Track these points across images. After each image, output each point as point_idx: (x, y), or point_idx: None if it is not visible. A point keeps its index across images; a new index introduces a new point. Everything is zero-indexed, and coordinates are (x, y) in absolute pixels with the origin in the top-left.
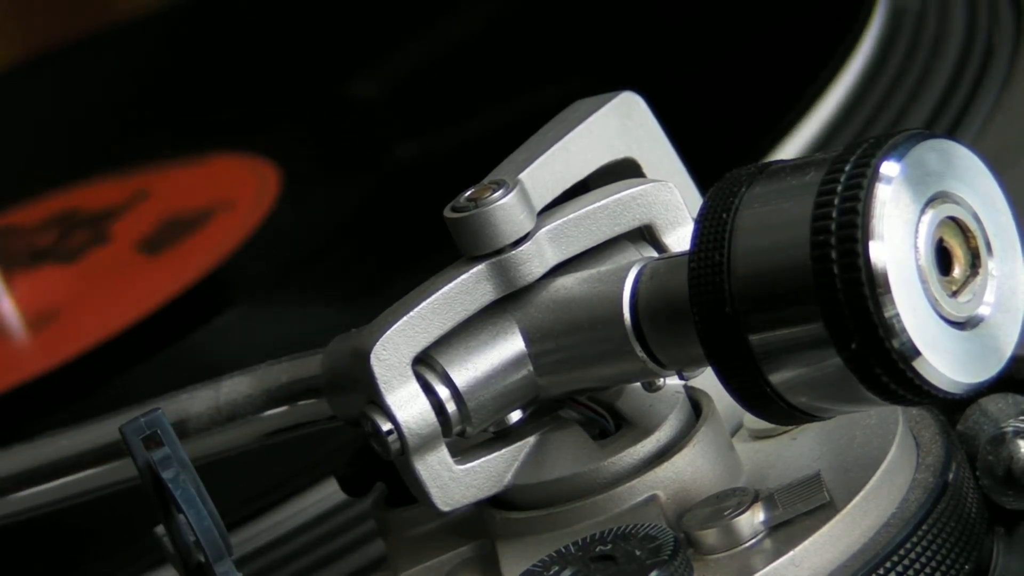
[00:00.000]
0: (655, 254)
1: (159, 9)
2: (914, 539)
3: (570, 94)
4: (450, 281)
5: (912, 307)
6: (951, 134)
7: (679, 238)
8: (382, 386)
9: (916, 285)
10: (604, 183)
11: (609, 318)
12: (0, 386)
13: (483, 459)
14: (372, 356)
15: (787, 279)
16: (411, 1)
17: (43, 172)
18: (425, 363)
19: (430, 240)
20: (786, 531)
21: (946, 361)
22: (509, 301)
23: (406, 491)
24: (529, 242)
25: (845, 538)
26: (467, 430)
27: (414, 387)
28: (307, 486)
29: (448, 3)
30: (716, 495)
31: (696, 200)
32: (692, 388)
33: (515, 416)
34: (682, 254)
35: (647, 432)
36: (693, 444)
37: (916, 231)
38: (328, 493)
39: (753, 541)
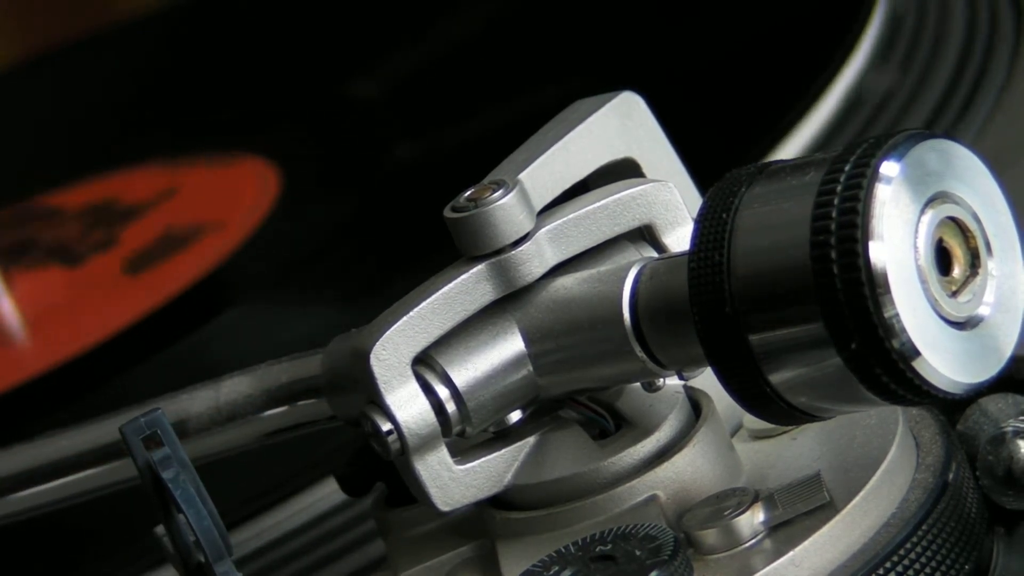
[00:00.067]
0: (655, 254)
1: (159, 9)
2: (914, 539)
3: (570, 94)
4: (450, 281)
5: (912, 307)
6: (951, 134)
7: (679, 238)
8: (382, 386)
9: (916, 285)
10: (604, 183)
11: (609, 318)
12: (0, 386)
13: (483, 459)
14: (372, 356)
15: (787, 279)
16: (411, 1)
17: (43, 172)
18: (425, 363)
19: (430, 240)
20: (786, 531)
21: (946, 361)
22: (509, 301)
23: (406, 491)
24: (529, 242)
25: (845, 538)
26: (467, 430)
27: (414, 387)
28: (307, 486)
29: (448, 3)
30: (716, 495)
31: (696, 200)
32: (692, 388)
33: (515, 416)
34: (682, 254)
35: (647, 432)
36: (693, 444)
37: (916, 231)
38: (328, 493)
39: (753, 541)
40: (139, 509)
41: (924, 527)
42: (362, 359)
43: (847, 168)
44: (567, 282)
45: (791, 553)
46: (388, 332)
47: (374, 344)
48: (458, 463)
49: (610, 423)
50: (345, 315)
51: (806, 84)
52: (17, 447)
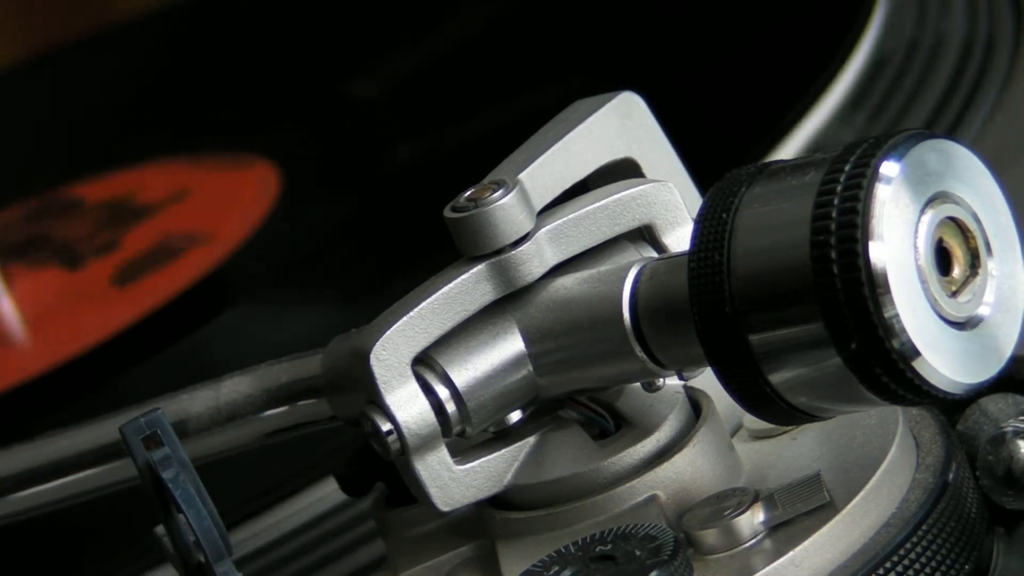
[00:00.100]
0: (655, 254)
1: (159, 9)
2: (914, 539)
3: (570, 94)
4: (450, 281)
5: (912, 307)
6: (951, 134)
7: (679, 238)
8: (382, 386)
9: (916, 285)
10: (604, 183)
11: (609, 318)
12: (0, 386)
13: (483, 459)
14: (372, 356)
15: (787, 279)
16: (411, 1)
17: (43, 172)
18: (425, 363)
19: (430, 240)
20: (786, 531)
21: (946, 361)
22: (509, 301)
23: (406, 491)
24: (529, 242)
25: (845, 538)
26: (467, 430)
27: (414, 387)
28: (307, 486)
29: (448, 3)
30: (716, 495)
31: (696, 200)
32: (692, 388)
33: (515, 416)
34: (682, 254)
35: (647, 432)
36: (693, 444)
37: (916, 231)
38: (328, 493)
39: (753, 541)
40: (139, 509)
41: (924, 527)
42: (362, 359)
43: (847, 168)
44: (567, 282)
45: (791, 553)
46: (388, 332)
47: (374, 344)
48: (458, 463)
49: (610, 423)
50: (345, 315)
51: (806, 84)
52: (17, 447)
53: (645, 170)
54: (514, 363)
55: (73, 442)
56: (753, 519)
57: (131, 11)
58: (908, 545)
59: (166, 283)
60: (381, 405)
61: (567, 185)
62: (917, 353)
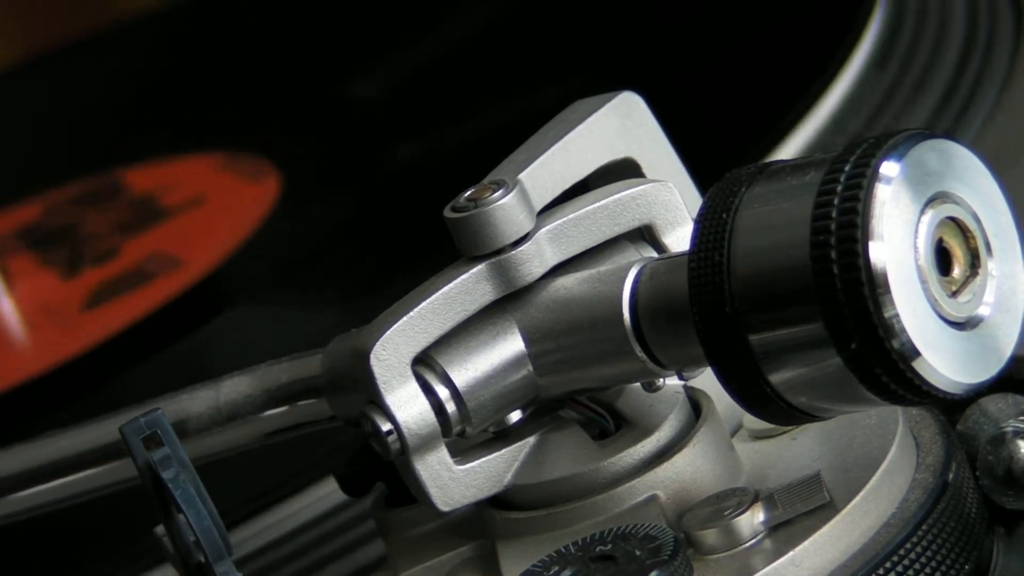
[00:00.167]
0: (655, 254)
1: (159, 9)
2: (914, 539)
3: (570, 94)
4: (450, 281)
5: (912, 307)
6: (951, 134)
7: (679, 238)
8: (382, 386)
9: (916, 285)
10: (604, 183)
11: (609, 318)
12: (0, 386)
13: (483, 459)
14: (372, 356)
15: (787, 279)
16: (411, 1)
17: (43, 172)
18: (425, 363)
19: (430, 240)
20: (786, 531)
21: (946, 361)
22: (509, 301)
23: (406, 491)
24: (529, 242)
25: (845, 538)
26: (467, 430)
27: (414, 387)
28: (307, 486)
29: (448, 3)
30: (716, 495)
31: (696, 200)
32: (692, 388)
33: (515, 416)
34: (682, 254)
35: (647, 432)
36: (693, 444)
37: (916, 231)
38: (328, 493)
39: (753, 541)
40: (139, 509)
41: (924, 527)
42: (362, 359)
43: (847, 168)
44: (567, 282)
45: (791, 553)
46: (388, 332)
47: (374, 344)
48: (458, 463)
49: (610, 423)
50: (345, 315)
51: (806, 84)
52: (17, 447)
53: (645, 170)
54: (514, 363)
55: (73, 442)
56: (753, 519)
57: (131, 11)
58: (908, 545)
59: (166, 283)
60: (381, 405)
61: (567, 185)
62: (917, 353)
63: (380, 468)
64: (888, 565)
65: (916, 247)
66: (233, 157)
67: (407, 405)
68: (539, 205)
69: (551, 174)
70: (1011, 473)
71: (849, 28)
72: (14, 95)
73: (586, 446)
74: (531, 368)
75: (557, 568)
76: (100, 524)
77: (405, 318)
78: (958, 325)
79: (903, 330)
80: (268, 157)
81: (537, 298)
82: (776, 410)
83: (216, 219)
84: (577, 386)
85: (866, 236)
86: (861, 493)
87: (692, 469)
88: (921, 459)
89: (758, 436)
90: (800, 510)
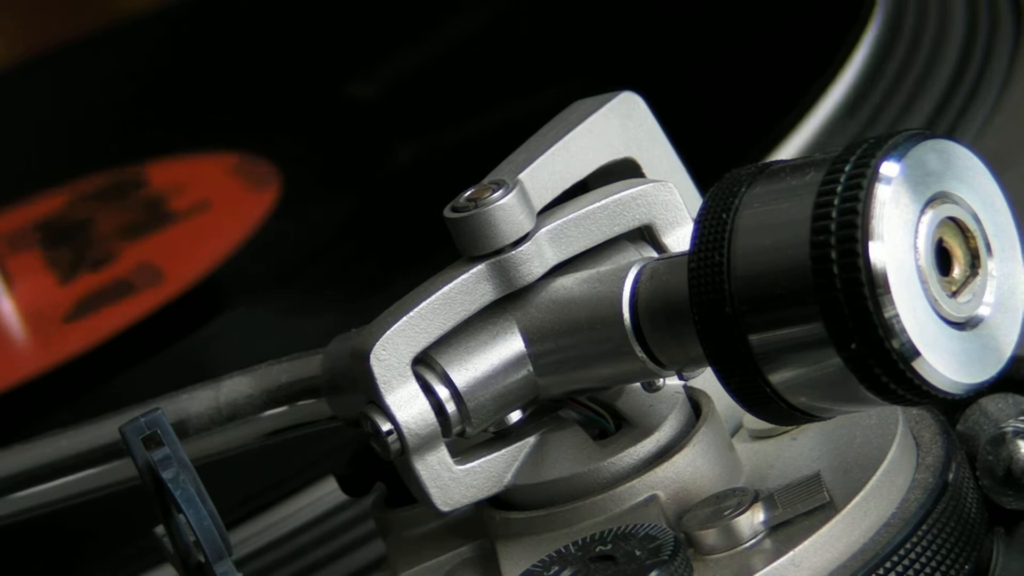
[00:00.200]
0: (655, 254)
1: (159, 9)
2: (914, 539)
3: (570, 94)
4: (450, 281)
5: (912, 307)
6: (951, 134)
7: (679, 238)
8: (382, 386)
9: (916, 285)
10: (604, 183)
11: (609, 318)
12: (0, 386)
13: (483, 459)
14: (372, 356)
15: (787, 279)
16: (411, 2)
17: (43, 172)
18: (425, 363)
19: (430, 240)
20: (786, 531)
21: (946, 361)
22: (509, 301)
23: (406, 491)
24: (529, 242)
25: (845, 538)
26: (467, 430)
27: (413, 387)
28: (307, 486)
29: (447, 4)
30: (716, 495)
31: (696, 200)
32: (692, 388)
33: (515, 416)
34: (682, 254)
35: (647, 432)
36: (693, 444)
37: (916, 231)
38: (328, 493)
39: (753, 541)
40: (139, 509)
41: (924, 527)
42: (362, 359)
43: (847, 168)
44: (567, 282)
45: (791, 553)
46: (388, 332)
47: (374, 344)
48: (458, 463)
49: (610, 423)
50: (345, 315)
51: (806, 84)
52: (17, 447)
53: (645, 170)
54: (514, 363)
55: (73, 442)
56: (753, 519)
57: (131, 11)
58: (908, 545)
59: (166, 283)
60: (381, 405)
61: (567, 185)
62: (917, 353)
63: (380, 468)
64: (888, 565)
65: (916, 247)
66: (233, 157)
67: (407, 405)
68: (539, 205)
69: (551, 174)
70: (1011, 473)
71: (849, 28)
72: (14, 95)
73: (586, 446)
74: (531, 368)
75: (557, 568)
76: (100, 524)
77: (405, 318)
78: (958, 325)
79: (903, 330)
80: (268, 157)
81: (537, 298)
82: (776, 410)
83: (215, 219)
84: (577, 386)
85: (866, 236)
86: (861, 493)
87: (692, 469)
88: (921, 459)
89: (758, 436)
90: (800, 510)
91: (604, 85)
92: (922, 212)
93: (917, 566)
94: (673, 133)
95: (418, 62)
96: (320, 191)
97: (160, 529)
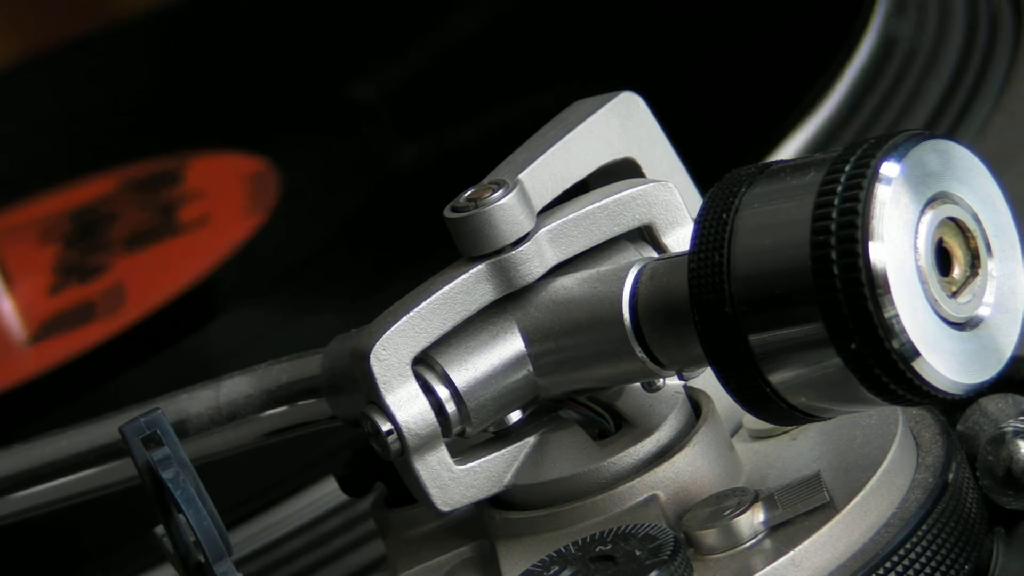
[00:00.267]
0: (655, 254)
1: (159, 9)
2: (914, 539)
3: (570, 94)
4: (450, 281)
5: (912, 308)
6: (951, 134)
7: (679, 238)
8: (382, 386)
9: (916, 286)
10: (604, 183)
11: (609, 318)
12: (0, 386)
13: (483, 459)
14: (372, 356)
15: (787, 279)
16: (411, 3)
17: (42, 172)
18: (425, 363)
19: (430, 240)
20: (786, 531)
21: (946, 362)
22: (509, 301)
23: (406, 491)
24: (529, 242)
25: (845, 538)
26: (467, 430)
27: (414, 387)
28: (307, 486)
29: (447, 5)
30: (716, 495)
31: (696, 200)
32: (692, 388)
33: (515, 416)
34: (682, 254)
35: (647, 432)
36: (693, 444)
37: (916, 232)
38: (328, 493)
39: (753, 541)
40: (139, 509)
41: (924, 527)
42: (362, 359)
43: (847, 168)
44: (567, 282)
45: (791, 553)
46: (388, 332)
47: (374, 344)
48: (458, 463)
49: (610, 423)
50: (345, 315)
51: (806, 84)
52: (17, 447)
53: (645, 170)
54: (514, 363)
55: (73, 442)
56: (753, 519)
57: (131, 11)
58: (908, 545)
59: (166, 283)
60: (381, 405)
61: (567, 185)
62: (917, 353)
63: (380, 468)
64: (888, 565)
65: (916, 247)
66: (234, 158)
67: (407, 405)
68: (539, 205)
69: (551, 174)
70: (1011, 473)
71: (849, 28)
72: (14, 95)
73: (586, 446)
74: (531, 368)
75: (557, 568)
76: (100, 524)
77: (405, 318)
78: (958, 325)
79: (903, 330)
80: (268, 158)
81: (537, 298)
82: (776, 410)
83: (216, 218)
84: (577, 386)
85: (866, 236)
86: (861, 493)
87: (692, 469)
88: (921, 459)
89: (758, 436)
90: (800, 510)
91: (604, 85)
92: (922, 212)
93: (917, 566)
94: (673, 133)
95: (418, 62)
96: (320, 191)
97: (160, 529)
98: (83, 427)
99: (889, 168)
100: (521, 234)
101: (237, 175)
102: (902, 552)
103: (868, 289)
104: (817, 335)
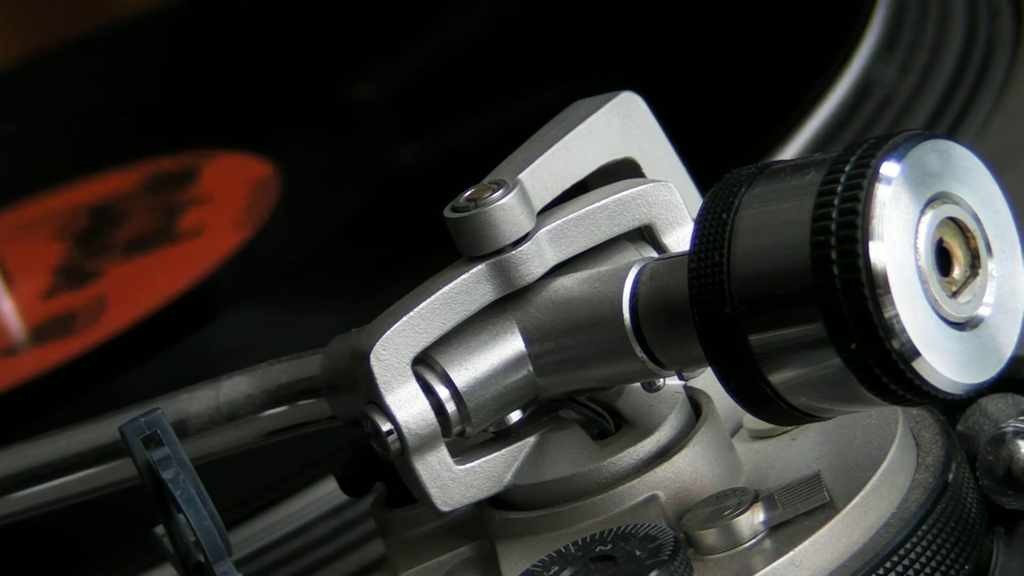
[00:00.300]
0: (655, 254)
1: (159, 9)
2: (914, 539)
3: (570, 94)
4: (450, 281)
5: (912, 308)
6: (951, 134)
7: (679, 238)
8: (382, 386)
9: (916, 286)
10: (604, 183)
11: (609, 318)
12: (0, 386)
13: (483, 459)
14: (372, 356)
15: (787, 279)
16: (411, 3)
17: (42, 172)
18: (425, 363)
19: (430, 240)
20: (786, 531)
21: (946, 362)
22: (509, 301)
23: (406, 491)
24: (529, 242)
25: (845, 538)
26: (467, 430)
27: (414, 387)
28: (307, 486)
29: (447, 5)
30: (716, 495)
31: (696, 200)
32: (692, 388)
33: (515, 416)
34: (682, 254)
35: (647, 432)
36: (693, 444)
37: (916, 232)
38: (328, 493)
39: (753, 541)
40: (139, 509)
41: (924, 527)
42: (362, 359)
43: (847, 168)
44: (567, 282)
45: (791, 553)
46: (388, 332)
47: (374, 344)
48: (458, 463)
49: (610, 423)
50: (345, 315)
51: (807, 84)
52: (17, 447)
53: (645, 170)
54: (514, 363)
55: (73, 442)
56: (753, 519)
57: (131, 11)
58: (908, 545)
59: (166, 283)
60: (381, 405)
61: (567, 185)
62: (917, 353)
63: (380, 468)
64: (888, 565)
65: (916, 247)
66: (234, 158)
67: (407, 405)
68: (539, 205)
69: (551, 174)
70: (1011, 473)
71: (850, 28)
72: (14, 94)
73: (586, 446)
74: (531, 368)
75: (557, 568)
76: (100, 524)
77: (405, 318)
78: (958, 325)
79: (903, 330)
80: (269, 158)
81: (537, 298)
82: (776, 410)
83: (215, 219)
84: (577, 386)
85: (866, 236)
86: (861, 493)
87: (692, 469)
88: (921, 459)
89: (758, 436)
90: (800, 510)
91: (604, 85)
92: (922, 212)
93: (917, 566)
94: (673, 133)
95: (418, 62)
96: (320, 191)
97: (160, 529)
98: (83, 427)
99: (889, 168)
100: (521, 234)
101: (243, 179)
102: (902, 552)
103: (868, 289)
104: (817, 335)
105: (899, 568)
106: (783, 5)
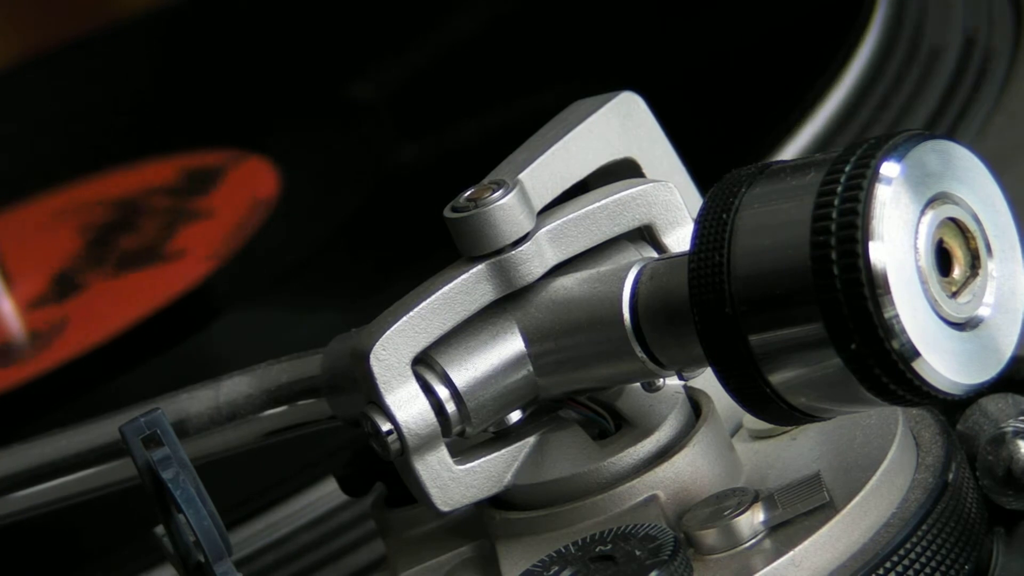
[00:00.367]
0: (655, 254)
1: (159, 9)
2: (914, 539)
3: (570, 94)
4: (450, 281)
5: (912, 308)
6: (951, 134)
7: (679, 238)
8: (381, 386)
9: (916, 286)
10: (604, 183)
11: (609, 318)
12: (0, 386)
13: (483, 459)
14: (371, 356)
15: (787, 280)
16: (411, 3)
17: (42, 172)
18: (425, 363)
19: (430, 240)
20: (786, 531)
21: (946, 362)
22: (509, 301)
23: (406, 491)
24: (529, 242)
25: (845, 538)
26: (467, 430)
27: (413, 387)
28: (307, 486)
29: (447, 5)
30: (716, 495)
31: (696, 200)
32: (692, 388)
33: (515, 416)
34: (682, 254)
35: (647, 432)
36: (693, 444)
37: (916, 232)
38: (328, 493)
39: (753, 541)
40: (139, 509)
41: (924, 527)
42: (362, 359)
43: (847, 169)
44: (567, 282)
45: (791, 553)
46: (388, 332)
47: (374, 344)
48: (458, 463)
49: (610, 423)
50: (345, 315)
51: (807, 84)
52: (17, 447)
53: (645, 170)
54: (514, 363)
55: (73, 442)
56: (753, 519)
57: (131, 11)
58: (908, 545)
59: (166, 283)
60: (381, 405)
61: (567, 185)
62: (917, 354)
63: (380, 468)
64: (888, 565)
65: (916, 248)
66: (234, 158)
67: (407, 405)
68: (539, 205)
69: (551, 174)
70: (1011, 473)
71: (850, 28)
72: (14, 94)
73: (586, 446)
74: (531, 368)
75: (557, 568)
76: (100, 524)
77: (405, 318)
78: (958, 326)
79: (903, 331)
80: (269, 158)
81: (537, 298)
82: (776, 410)
83: (215, 218)
84: (577, 386)
85: (866, 237)
86: (861, 493)
87: (692, 469)
88: (921, 459)
89: (758, 436)
90: (800, 510)
91: (604, 85)
92: (922, 213)
93: (917, 566)
94: (673, 133)
95: (418, 62)
96: (320, 191)
97: (160, 529)
98: (83, 427)
99: (889, 168)
100: (521, 234)
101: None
102: (902, 552)
103: (868, 289)
104: (817, 335)
105: (899, 568)
106: (783, 5)
